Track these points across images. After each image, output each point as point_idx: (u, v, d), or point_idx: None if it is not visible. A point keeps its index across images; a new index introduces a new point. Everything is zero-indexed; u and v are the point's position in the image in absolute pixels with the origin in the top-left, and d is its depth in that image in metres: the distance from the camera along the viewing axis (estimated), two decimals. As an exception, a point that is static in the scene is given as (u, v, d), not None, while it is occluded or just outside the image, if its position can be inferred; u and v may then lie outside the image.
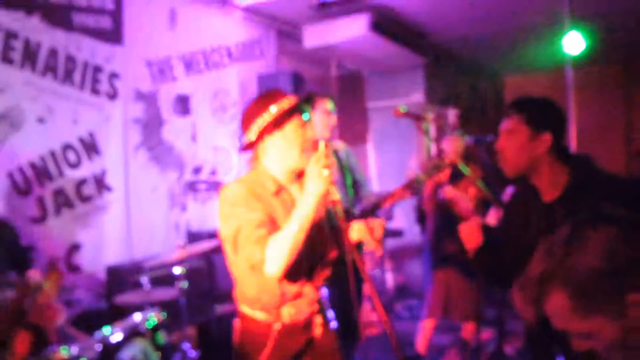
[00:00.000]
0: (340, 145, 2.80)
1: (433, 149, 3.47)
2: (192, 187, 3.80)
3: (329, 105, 2.65)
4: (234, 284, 1.67)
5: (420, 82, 5.41)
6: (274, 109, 1.56)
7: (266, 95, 1.63)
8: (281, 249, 1.45)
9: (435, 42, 5.21)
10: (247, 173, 1.66)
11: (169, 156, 3.63)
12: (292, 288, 1.60)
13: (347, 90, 5.08)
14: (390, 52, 4.73)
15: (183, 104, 3.75)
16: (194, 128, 3.83)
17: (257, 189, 1.57)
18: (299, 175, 1.64)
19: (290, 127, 1.58)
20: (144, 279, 2.52)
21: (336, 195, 1.46)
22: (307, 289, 1.63)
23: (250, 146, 1.62)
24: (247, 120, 1.61)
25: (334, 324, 1.74)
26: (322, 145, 1.46)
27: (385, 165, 5.46)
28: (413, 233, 4.61)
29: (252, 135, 1.59)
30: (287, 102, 1.58)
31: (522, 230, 1.55)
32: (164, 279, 2.66)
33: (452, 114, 5.82)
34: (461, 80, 6.04)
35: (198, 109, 3.85)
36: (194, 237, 3.59)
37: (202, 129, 3.88)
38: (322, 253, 1.66)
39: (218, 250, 3.00)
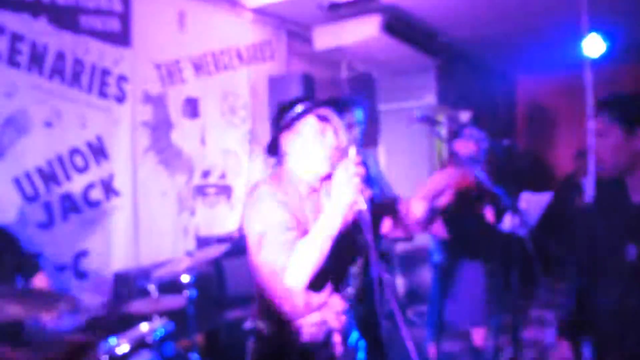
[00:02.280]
0: (368, 153, 2.71)
1: (445, 152, 3.38)
2: (201, 191, 3.76)
3: (357, 115, 2.52)
4: (256, 292, 1.60)
5: (432, 84, 5.34)
6: (288, 113, 1.55)
7: (289, 103, 1.62)
8: (304, 260, 1.41)
9: (447, 43, 5.14)
10: (274, 171, 1.63)
11: (177, 160, 3.59)
12: (317, 297, 1.54)
13: (358, 93, 5.00)
14: (402, 54, 4.65)
15: (192, 107, 3.71)
16: (203, 131, 3.78)
17: (288, 188, 1.55)
18: (326, 178, 1.60)
19: (309, 131, 1.55)
20: (152, 287, 2.46)
21: (364, 205, 1.40)
22: (334, 300, 1.58)
23: (273, 146, 1.62)
24: (274, 120, 1.64)
25: (357, 341, 1.66)
26: (352, 152, 1.40)
27: (397, 169, 5.38)
28: (423, 237, 4.55)
29: (271, 135, 1.61)
30: (308, 105, 1.56)
31: (606, 231, 1.51)
32: (172, 287, 2.60)
33: (464, 116, 5.73)
34: (473, 81, 5.94)
35: (207, 111, 3.81)
36: (202, 242, 3.55)
37: (211, 132, 3.84)
38: (349, 263, 1.60)
39: (227, 255, 2.96)
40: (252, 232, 1.51)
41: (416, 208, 1.94)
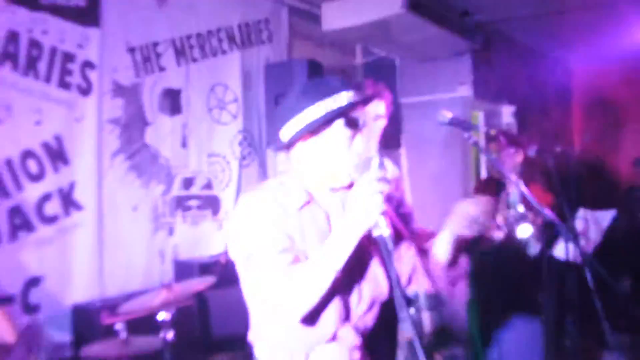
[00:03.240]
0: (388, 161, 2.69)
1: (484, 163, 3.39)
2: (181, 204, 3.76)
3: (376, 106, 2.53)
4: (250, 321, 1.63)
5: (466, 73, 5.35)
6: (310, 112, 1.52)
7: (314, 84, 1.58)
8: (306, 289, 1.42)
9: (485, 23, 5.15)
10: (277, 177, 1.64)
11: (153, 165, 3.60)
12: (323, 330, 1.53)
13: (375, 83, 5.02)
14: (430, 35, 4.65)
15: (172, 101, 3.72)
16: (185, 130, 3.80)
17: (282, 199, 1.55)
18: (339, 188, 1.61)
19: (331, 134, 1.54)
20: (120, 325, 2.46)
21: (386, 230, 1.39)
22: (344, 332, 1.56)
23: (285, 147, 1.61)
24: (283, 115, 1.58)
25: None
26: (375, 162, 1.41)
27: (422, 176, 5.37)
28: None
29: (284, 136, 1.57)
30: (334, 101, 1.52)
31: None
32: (144, 325, 2.60)
33: (506, 113, 5.73)
34: (518, 70, 5.95)
35: (190, 106, 3.82)
36: (183, 268, 3.54)
37: (195, 132, 3.85)
38: (363, 289, 1.61)
39: (214, 286, 2.95)
40: (240, 252, 1.53)
41: (439, 250, 1.89)
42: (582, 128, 7.13)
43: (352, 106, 1.54)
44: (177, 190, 3.73)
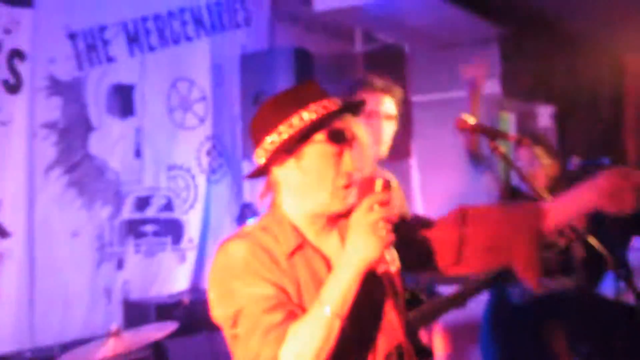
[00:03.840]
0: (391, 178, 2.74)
1: (514, 178, 3.44)
2: (133, 229, 3.77)
3: (387, 104, 2.51)
4: None
5: (494, 65, 5.33)
6: (283, 128, 1.55)
7: (285, 94, 1.64)
8: (306, 346, 1.44)
9: (517, 5, 5.15)
10: (260, 219, 1.66)
11: (98, 181, 3.61)
12: None
13: (380, 76, 5.07)
14: (448, 17, 4.68)
15: (123, 100, 3.73)
16: (139, 137, 3.81)
17: (269, 245, 1.58)
18: (336, 219, 1.64)
19: (311, 152, 1.58)
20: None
21: (394, 264, 1.44)
22: None
23: (259, 173, 1.64)
24: (255, 133, 1.62)
25: None
26: (379, 184, 1.45)
27: (436, 193, 5.38)
28: (477, 302, 4.56)
29: (259, 159, 1.61)
30: (311, 112, 1.56)
31: None
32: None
33: (543, 114, 5.78)
34: (558, 62, 6.00)
35: (146, 106, 3.84)
36: (135, 311, 3.55)
37: (152, 139, 3.87)
38: (379, 342, 1.63)
39: (174, 334, 2.97)
40: (224, 313, 1.54)
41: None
42: (637, 135, 7.17)
43: (334, 115, 1.57)
44: (128, 212, 3.73)
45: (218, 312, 1.56)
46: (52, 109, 3.42)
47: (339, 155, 1.57)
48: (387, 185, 1.46)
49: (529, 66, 5.64)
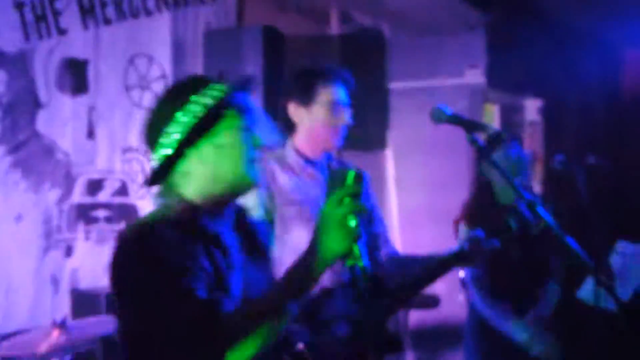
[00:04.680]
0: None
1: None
2: (84, 215, 3.77)
3: (334, 92, 2.56)
4: None
5: (478, 53, 5.35)
6: (196, 104, 1.65)
7: (178, 84, 1.79)
8: (250, 339, 1.49)
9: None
10: (155, 211, 1.74)
11: (46, 162, 3.61)
12: None
13: (357, 60, 5.03)
14: (431, 1, 4.74)
15: (75, 75, 3.73)
16: (93, 116, 3.81)
17: (187, 230, 1.64)
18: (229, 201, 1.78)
19: (227, 127, 1.70)
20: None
21: (362, 260, 1.51)
22: None
23: (164, 170, 1.71)
24: (154, 127, 1.70)
25: None
26: (351, 176, 1.52)
27: (413, 188, 5.39)
28: (454, 302, 4.54)
29: (164, 151, 1.68)
30: (220, 90, 1.68)
31: None
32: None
33: (531, 108, 5.80)
34: (548, 52, 6.01)
35: (101, 84, 3.84)
36: (84, 301, 3.54)
37: (107, 118, 3.87)
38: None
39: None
40: (136, 300, 1.56)
41: None
42: (632, 132, 7.21)
43: (239, 91, 1.71)
44: (79, 196, 3.73)
45: (131, 294, 1.58)
46: (-5, 83, 3.42)
47: (248, 128, 1.71)
48: (359, 178, 1.52)
49: (517, 56, 5.61)
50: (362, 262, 1.50)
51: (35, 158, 3.54)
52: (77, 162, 3.73)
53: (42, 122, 3.58)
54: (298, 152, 2.56)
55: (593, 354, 3.80)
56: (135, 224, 1.75)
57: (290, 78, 2.69)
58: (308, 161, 2.56)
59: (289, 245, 2.36)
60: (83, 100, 3.76)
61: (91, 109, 3.80)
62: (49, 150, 3.61)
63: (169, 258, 1.55)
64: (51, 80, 3.63)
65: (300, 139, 2.56)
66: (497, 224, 2.61)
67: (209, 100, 1.66)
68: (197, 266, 1.56)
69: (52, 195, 3.61)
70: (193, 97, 1.66)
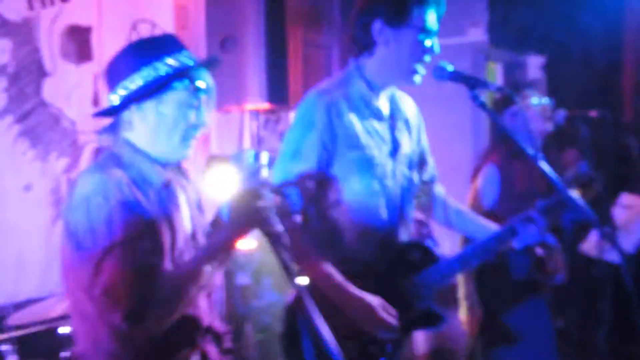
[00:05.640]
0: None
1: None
2: None
3: (430, 17, 2.40)
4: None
5: (480, 10, 5.35)
6: (151, 69, 1.78)
7: (151, 40, 2.01)
8: (177, 295, 1.70)
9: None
10: (106, 158, 1.85)
11: (53, 131, 3.61)
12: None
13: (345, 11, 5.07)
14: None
15: (79, 43, 3.71)
16: (98, 84, 3.79)
17: (136, 176, 1.79)
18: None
19: (172, 99, 1.81)
20: (7, 345, 2.52)
21: (279, 226, 1.73)
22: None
23: (110, 113, 1.87)
24: (115, 72, 1.84)
25: None
26: (249, 155, 1.74)
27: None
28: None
29: (115, 98, 1.83)
30: (179, 60, 1.81)
31: None
32: (41, 345, 2.66)
33: (533, 65, 5.79)
34: (550, 7, 5.99)
35: (105, 51, 3.80)
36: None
37: None
38: None
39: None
40: (85, 247, 1.70)
41: None
42: (634, 86, 7.19)
43: (197, 66, 1.83)
44: (86, 164, 3.69)
45: (79, 240, 1.71)
46: (0, 52, 3.39)
47: (195, 106, 1.82)
48: (257, 157, 1.72)
49: (519, 13, 5.61)
50: (280, 227, 1.71)
51: (42, 127, 3.54)
52: (83, 131, 3.72)
53: (48, 90, 3.58)
54: (368, 83, 2.38)
55: (596, 306, 3.85)
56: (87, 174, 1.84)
57: None
58: (375, 92, 2.40)
59: (347, 193, 2.33)
60: (88, 67, 3.76)
61: (96, 77, 3.77)
62: (56, 118, 3.61)
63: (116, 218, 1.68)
64: (55, 48, 3.62)
65: (374, 65, 2.37)
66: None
67: (165, 68, 1.78)
68: (141, 223, 1.70)
69: (60, 164, 3.62)
70: (160, 59, 1.78)
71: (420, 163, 2.62)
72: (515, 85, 3.63)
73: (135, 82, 1.79)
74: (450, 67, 2.33)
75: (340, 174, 2.33)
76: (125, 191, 1.70)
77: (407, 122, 2.56)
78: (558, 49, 6.01)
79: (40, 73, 3.57)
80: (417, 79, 2.38)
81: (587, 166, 2.81)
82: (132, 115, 1.82)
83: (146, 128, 1.82)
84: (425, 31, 2.34)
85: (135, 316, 1.60)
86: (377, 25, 2.30)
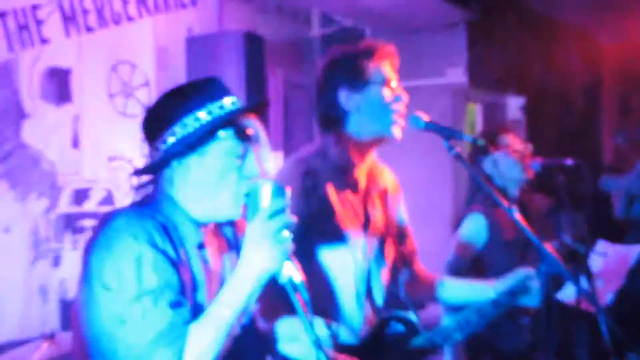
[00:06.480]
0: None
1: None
2: (71, 224, 3.77)
3: (386, 69, 2.43)
4: None
5: (460, 51, 5.43)
6: (192, 119, 1.64)
7: (190, 87, 1.73)
8: (208, 348, 1.55)
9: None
10: (141, 202, 1.73)
11: (32, 172, 3.61)
12: None
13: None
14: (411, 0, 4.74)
15: (59, 85, 3.73)
16: (77, 125, 3.82)
17: (170, 229, 1.64)
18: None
19: (218, 150, 1.66)
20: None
21: (298, 275, 1.56)
22: None
23: (153, 169, 1.72)
24: (154, 124, 1.70)
25: None
26: (267, 189, 1.58)
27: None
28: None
29: (156, 152, 1.69)
30: (222, 107, 1.66)
31: None
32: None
33: (513, 106, 5.84)
34: (530, 49, 6.07)
35: (84, 92, 3.84)
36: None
37: (91, 127, 3.86)
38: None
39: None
40: (105, 301, 1.59)
41: None
42: (613, 126, 7.21)
43: (240, 113, 1.67)
44: (65, 205, 3.73)
45: (96, 293, 1.60)
46: (-21, 94, 3.42)
47: (243, 156, 1.67)
48: (279, 191, 1.56)
49: (499, 54, 5.66)
50: (299, 278, 1.54)
51: (22, 168, 3.54)
52: (63, 172, 3.73)
53: (28, 132, 3.58)
54: (342, 153, 2.37)
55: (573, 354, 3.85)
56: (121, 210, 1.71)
57: (327, 66, 2.42)
58: (351, 164, 2.38)
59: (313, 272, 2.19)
60: (67, 109, 3.77)
61: (76, 118, 3.80)
62: (35, 160, 3.61)
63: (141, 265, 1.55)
64: (35, 89, 3.63)
65: (353, 132, 2.36)
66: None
67: (211, 113, 1.64)
68: (168, 273, 1.57)
69: (39, 205, 3.61)
70: (201, 108, 1.64)
71: (399, 236, 2.60)
72: (492, 132, 3.65)
73: (176, 134, 1.64)
74: (425, 118, 2.33)
75: (312, 244, 2.29)
76: (156, 239, 1.57)
77: (384, 195, 2.55)
78: (537, 89, 6.08)
79: (20, 114, 3.58)
80: (397, 131, 2.38)
81: (569, 238, 2.81)
82: (173, 172, 1.67)
83: (189, 185, 1.67)
84: (386, 83, 2.36)
85: None
86: (343, 94, 2.32)
